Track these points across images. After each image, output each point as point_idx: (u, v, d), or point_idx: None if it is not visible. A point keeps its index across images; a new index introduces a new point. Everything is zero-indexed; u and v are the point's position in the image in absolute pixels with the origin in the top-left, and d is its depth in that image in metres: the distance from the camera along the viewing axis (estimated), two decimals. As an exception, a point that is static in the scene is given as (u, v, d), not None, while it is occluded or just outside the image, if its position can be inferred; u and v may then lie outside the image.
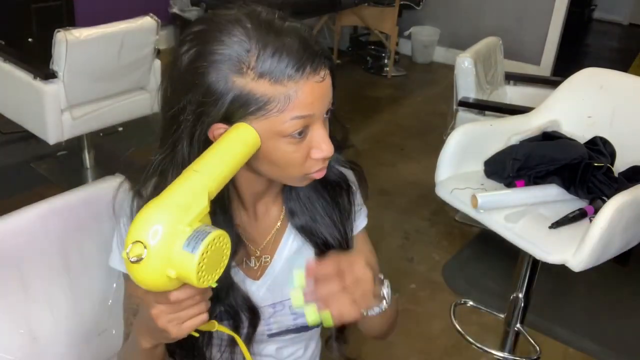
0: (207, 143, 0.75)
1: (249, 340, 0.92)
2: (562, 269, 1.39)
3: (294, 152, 0.77)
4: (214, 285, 0.68)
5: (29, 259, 1.00)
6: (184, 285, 0.68)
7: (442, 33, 5.01)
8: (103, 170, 2.90)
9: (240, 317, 0.91)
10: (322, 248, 0.94)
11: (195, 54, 0.74)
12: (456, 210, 2.36)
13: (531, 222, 1.46)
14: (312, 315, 0.75)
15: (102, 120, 2.63)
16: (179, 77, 0.76)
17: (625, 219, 1.32)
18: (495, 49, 2.73)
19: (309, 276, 0.75)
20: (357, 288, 0.74)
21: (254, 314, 0.92)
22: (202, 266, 0.64)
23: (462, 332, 2.05)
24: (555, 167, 1.55)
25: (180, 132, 0.76)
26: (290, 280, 0.95)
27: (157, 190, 0.80)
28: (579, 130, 1.72)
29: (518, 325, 1.88)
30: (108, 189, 0.99)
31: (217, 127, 0.75)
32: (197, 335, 0.76)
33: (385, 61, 4.83)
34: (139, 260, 0.63)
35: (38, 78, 2.37)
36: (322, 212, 0.93)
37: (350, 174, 0.99)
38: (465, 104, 2.47)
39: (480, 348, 1.98)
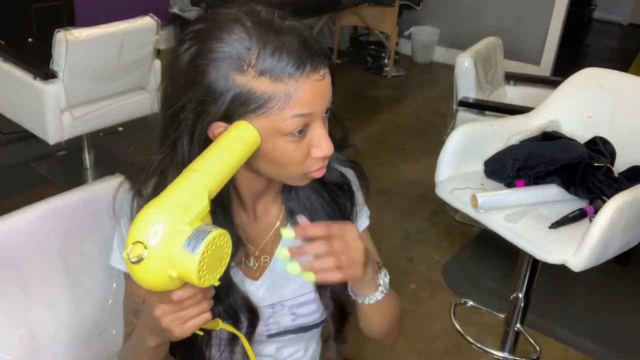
0: (207, 142, 0.76)
1: (249, 341, 0.92)
2: (562, 269, 1.39)
3: (294, 151, 0.77)
4: (216, 284, 0.68)
5: (29, 259, 1.00)
6: (186, 284, 0.68)
7: (442, 33, 5.01)
8: (103, 170, 2.90)
9: (240, 318, 0.91)
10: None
11: (196, 52, 0.74)
12: (456, 210, 2.36)
13: (531, 222, 1.46)
14: (293, 269, 0.77)
15: (102, 120, 2.63)
16: (179, 75, 0.76)
17: (625, 219, 1.32)
18: (495, 49, 2.73)
19: (298, 235, 0.77)
20: (346, 255, 0.77)
21: (253, 314, 0.92)
22: (202, 265, 0.64)
23: (462, 332, 2.04)
24: (555, 167, 1.55)
25: (180, 130, 0.76)
26: (289, 280, 0.96)
27: (157, 189, 0.80)
28: (579, 130, 1.72)
29: (518, 325, 1.88)
30: (108, 189, 0.99)
31: (217, 126, 0.75)
32: (201, 333, 0.76)
33: (385, 61, 4.83)
34: (139, 260, 0.63)
35: (38, 78, 2.37)
36: (321, 213, 0.93)
37: (350, 173, 0.99)
38: (465, 104, 2.47)
39: (480, 348, 1.98)
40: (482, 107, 2.51)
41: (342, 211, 0.95)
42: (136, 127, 2.90)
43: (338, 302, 0.97)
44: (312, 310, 0.97)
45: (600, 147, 1.61)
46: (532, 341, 1.91)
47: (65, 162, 3.10)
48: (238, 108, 0.74)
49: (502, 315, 1.95)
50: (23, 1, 3.39)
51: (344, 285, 0.92)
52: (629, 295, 2.44)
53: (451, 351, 2.08)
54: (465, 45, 2.66)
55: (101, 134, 3.07)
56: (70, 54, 2.31)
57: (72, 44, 2.29)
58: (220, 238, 0.66)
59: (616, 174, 1.55)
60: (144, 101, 2.72)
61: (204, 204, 0.67)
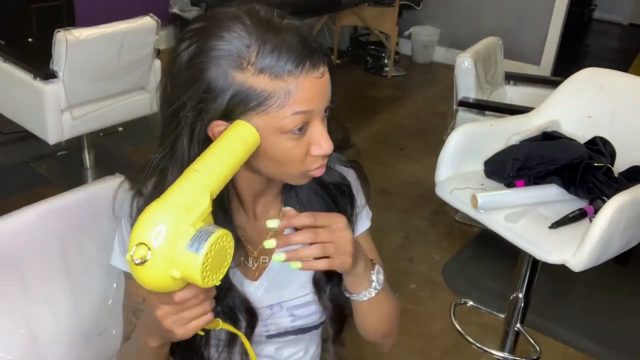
0: (206, 141, 0.76)
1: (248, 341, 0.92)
2: (562, 269, 1.39)
3: (293, 149, 0.77)
4: (218, 284, 0.68)
5: (29, 259, 1.00)
6: (188, 285, 0.68)
7: (442, 33, 5.01)
8: (103, 170, 2.90)
9: (238, 318, 0.91)
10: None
11: (195, 50, 0.75)
12: (456, 210, 2.36)
13: (531, 222, 1.46)
14: (278, 257, 0.77)
15: (102, 120, 2.63)
16: (179, 73, 0.76)
17: (625, 219, 1.32)
18: (495, 49, 2.73)
19: (285, 224, 0.78)
20: (332, 244, 0.77)
21: (252, 315, 0.92)
22: (206, 266, 0.64)
23: (462, 332, 2.04)
24: (555, 167, 1.55)
25: (180, 129, 0.76)
26: (288, 281, 0.95)
27: (157, 188, 0.80)
28: (579, 130, 1.72)
29: (518, 325, 1.88)
30: (108, 189, 0.99)
31: (217, 124, 0.75)
32: (202, 334, 0.76)
33: (385, 61, 4.83)
34: (143, 262, 0.62)
35: (38, 78, 2.37)
36: (321, 213, 0.93)
37: (351, 173, 0.99)
38: (465, 104, 2.47)
39: (480, 348, 1.98)
40: (482, 107, 2.51)
41: (341, 213, 0.95)
42: (136, 127, 2.90)
43: (337, 304, 0.96)
44: (311, 312, 0.97)
45: (600, 147, 1.61)
46: (532, 341, 1.91)
47: (65, 162, 3.10)
48: (238, 106, 0.74)
49: (502, 315, 1.95)
50: (23, 1, 3.39)
51: (340, 284, 0.92)
52: (629, 295, 2.44)
53: (451, 351, 2.08)
54: (465, 45, 2.66)
55: (101, 134, 3.07)
56: (70, 54, 2.31)
57: (72, 44, 2.29)
58: (223, 238, 0.66)
59: (616, 174, 1.55)
60: (144, 101, 2.72)
61: (206, 205, 0.67)
